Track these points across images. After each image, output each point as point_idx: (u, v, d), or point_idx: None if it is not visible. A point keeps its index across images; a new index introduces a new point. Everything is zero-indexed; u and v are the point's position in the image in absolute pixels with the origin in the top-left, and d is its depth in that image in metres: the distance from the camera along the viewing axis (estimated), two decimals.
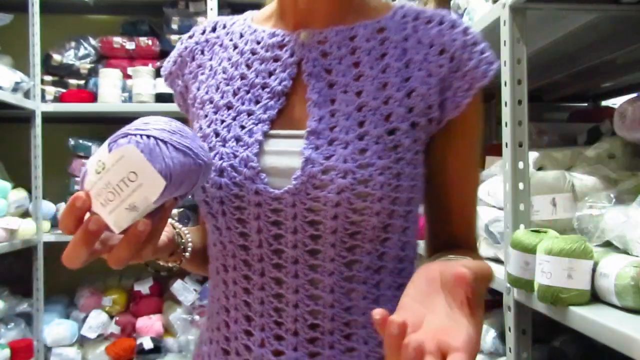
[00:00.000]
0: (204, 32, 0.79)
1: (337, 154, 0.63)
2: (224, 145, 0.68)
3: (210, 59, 0.77)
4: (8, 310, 2.33)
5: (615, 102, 2.30)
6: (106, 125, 2.87)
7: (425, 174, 0.70)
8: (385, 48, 0.69)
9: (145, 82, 2.50)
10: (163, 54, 2.65)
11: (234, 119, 0.69)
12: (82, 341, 2.53)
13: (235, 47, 0.75)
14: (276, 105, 0.69)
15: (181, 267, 0.74)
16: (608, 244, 1.08)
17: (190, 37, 0.81)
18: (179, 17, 2.62)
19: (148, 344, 2.48)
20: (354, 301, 0.67)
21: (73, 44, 2.65)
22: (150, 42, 2.63)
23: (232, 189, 0.66)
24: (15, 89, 2.26)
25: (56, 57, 2.60)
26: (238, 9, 3.00)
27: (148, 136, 0.53)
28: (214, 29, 0.79)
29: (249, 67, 0.72)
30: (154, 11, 2.71)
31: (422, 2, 2.10)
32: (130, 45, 2.63)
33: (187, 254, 0.72)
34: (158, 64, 2.57)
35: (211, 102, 0.72)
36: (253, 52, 0.73)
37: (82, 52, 2.63)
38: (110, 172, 0.51)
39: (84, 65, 2.62)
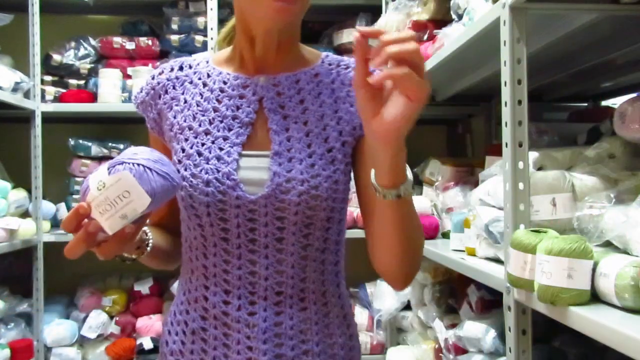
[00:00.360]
0: (172, 70, 0.99)
1: (295, 168, 0.88)
2: (207, 163, 0.89)
3: (183, 93, 0.96)
4: (8, 310, 2.32)
5: (615, 102, 2.30)
6: (106, 125, 2.89)
7: (355, 176, 0.94)
8: (320, 89, 0.94)
9: None
10: (163, 54, 2.65)
11: (212, 142, 0.90)
12: (82, 341, 2.53)
13: (205, 84, 0.95)
14: (245, 132, 0.91)
15: (139, 259, 0.91)
16: (608, 244, 1.08)
17: (160, 73, 0.99)
18: (179, 17, 2.62)
19: (148, 344, 2.48)
20: (307, 273, 0.92)
21: (73, 44, 2.64)
22: (150, 42, 2.63)
23: (217, 195, 0.87)
24: (15, 89, 2.26)
25: (56, 57, 2.59)
26: None
27: (139, 164, 0.72)
28: (181, 68, 0.98)
29: (219, 101, 0.93)
30: (154, 11, 2.71)
31: (422, 2, 2.10)
32: (130, 45, 2.62)
33: (149, 248, 0.90)
34: (158, 64, 2.57)
35: (190, 129, 0.93)
36: (221, 90, 0.94)
37: (82, 52, 2.63)
38: (109, 190, 0.71)
39: (84, 65, 2.62)
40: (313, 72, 0.95)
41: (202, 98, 0.94)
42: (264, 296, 0.90)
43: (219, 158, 0.89)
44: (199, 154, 0.90)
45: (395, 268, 0.89)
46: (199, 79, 0.96)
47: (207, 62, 0.98)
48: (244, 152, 0.90)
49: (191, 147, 0.90)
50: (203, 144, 0.90)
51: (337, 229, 0.94)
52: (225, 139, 0.90)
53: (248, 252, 0.89)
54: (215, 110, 0.93)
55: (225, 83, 0.94)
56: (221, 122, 0.92)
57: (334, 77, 0.95)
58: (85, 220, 0.72)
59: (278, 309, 0.90)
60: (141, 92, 1.01)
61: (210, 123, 0.92)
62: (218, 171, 0.88)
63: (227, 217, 0.88)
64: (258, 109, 0.92)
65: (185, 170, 0.90)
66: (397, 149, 0.73)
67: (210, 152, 0.89)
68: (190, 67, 0.98)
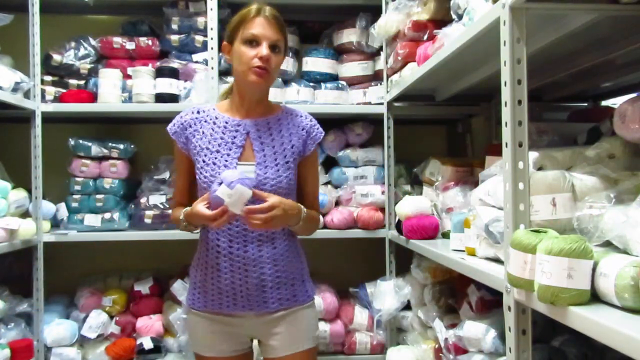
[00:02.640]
0: (192, 113, 1.67)
1: (269, 172, 1.59)
2: (219, 168, 1.58)
3: (201, 127, 1.65)
4: (8, 310, 2.32)
5: (615, 102, 2.30)
6: (106, 125, 2.89)
7: (297, 181, 1.67)
8: (281, 127, 1.66)
9: (145, 82, 2.50)
10: (163, 54, 2.65)
11: (221, 156, 1.59)
12: (82, 341, 2.53)
13: (214, 123, 1.64)
14: (239, 151, 1.60)
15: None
16: (608, 244, 1.08)
17: (186, 115, 1.67)
18: (179, 17, 2.62)
19: (148, 344, 2.48)
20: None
21: (73, 44, 2.64)
22: (150, 42, 2.62)
23: None
24: (15, 89, 2.26)
25: (56, 57, 2.59)
26: (237, 9, 2.98)
27: (241, 179, 1.45)
28: (198, 112, 1.67)
29: (223, 133, 1.62)
30: (154, 11, 2.71)
31: (422, 2, 2.10)
32: (130, 45, 2.62)
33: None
34: (158, 64, 2.57)
35: (207, 149, 1.61)
36: (225, 127, 1.63)
37: (82, 52, 2.63)
38: (233, 196, 1.43)
39: (84, 65, 2.62)
40: (277, 117, 1.68)
41: (213, 131, 1.62)
42: (251, 241, 1.59)
43: (225, 166, 1.57)
44: (214, 163, 1.58)
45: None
46: (210, 119, 1.65)
47: (214, 109, 1.67)
48: (239, 162, 1.59)
49: (209, 159, 1.59)
50: (216, 158, 1.59)
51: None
52: (228, 155, 1.59)
53: (242, 217, 1.49)
54: (221, 139, 1.61)
55: (227, 122, 1.63)
56: (225, 145, 1.60)
57: (289, 120, 1.68)
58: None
59: (259, 247, 1.59)
60: (174, 125, 1.67)
61: (219, 146, 1.60)
62: None
63: None
64: (246, 138, 1.62)
65: (206, 172, 1.58)
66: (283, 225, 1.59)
67: (220, 162, 1.58)
68: (204, 111, 1.67)
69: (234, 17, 1.62)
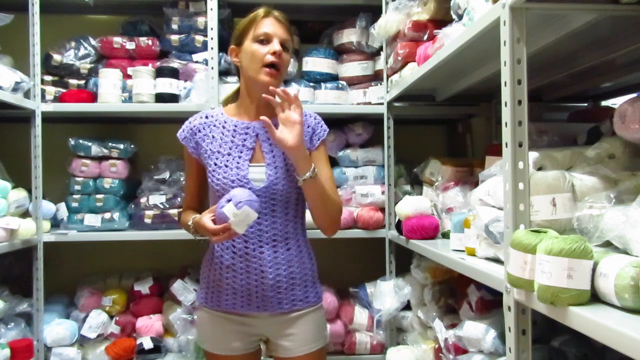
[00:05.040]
0: (201, 118, 1.71)
1: (279, 172, 1.63)
2: (231, 170, 1.62)
3: (210, 132, 1.69)
4: (8, 310, 2.32)
5: (615, 102, 2.30)
6: (106, 125, 2.89)
7: None
8: None
9: (145, 82, 2.50)
10: (163, 54, 2.65)
11: (233, 159, 1.63)
12: (82, 341, 2.53)
13: (224, 127, 1.68)
14: (249, 153, 1.65)
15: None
16: (608, 244, 1.08)
17: (194, 120, 1.72)
18: (179, 17, 2.62)
19: (148, 344, 2.48)
20: (288, 228, 1.66)
21: (73, 44, 2.64)
22: (150, 42, 2.62)
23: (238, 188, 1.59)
24: (15, 89, 2.26)
25: (56, 57, 2.59)
26: (238, 9, 2.97)
27: (249, 200, 1.46)
28: (206, 117, 1.71)
29: (233, 137, 1.66)
30: (154, 11, 2.71)
31: (422, 2, 2.10)
32: (130, 45, 2.62)
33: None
34: (158, 64, 2.57)
35: (219, 152, 1.65)
36: (234, 130, 1.67)
37: (82, 52, 2.63)
38: (238, 216, 1.44)
39: (84, 65, 2.61)
40: None
41: (223, 135, 1.67)
42: (267, 241, 1.62)
43: (237, 168, 1.62)
44: (226, 165, 1.63)
45: (321, 221, 1.68)
46: (219, 123, 1.69)
47: (222, 113, 1.71)
48: (250, 164, 1.63)
49: (220, 162, 1.64)
50: (227, 160, 1.63)
51: (302, 203, 1.70)
52: (239, 157, 1.63)
53: (257, 218, 1.51)
54: (232, 142, 1.65)
55: (236, 126, 1.68)
56: (236, 148, 1.64)
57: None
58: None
59: (274, 249, 1.63)
60: (183, 131, 1.71)
61: (230, 149, 1.64)
62: (238, 175, 1.61)
63: None
64: (256, 140, 1.66)
65: (219, 174, 1.61)
66: (296, 156, 1.55)
67: (232, 165, 1.62)
68: (213, 116, 1.71)
69: (242, 20, 1.66)
